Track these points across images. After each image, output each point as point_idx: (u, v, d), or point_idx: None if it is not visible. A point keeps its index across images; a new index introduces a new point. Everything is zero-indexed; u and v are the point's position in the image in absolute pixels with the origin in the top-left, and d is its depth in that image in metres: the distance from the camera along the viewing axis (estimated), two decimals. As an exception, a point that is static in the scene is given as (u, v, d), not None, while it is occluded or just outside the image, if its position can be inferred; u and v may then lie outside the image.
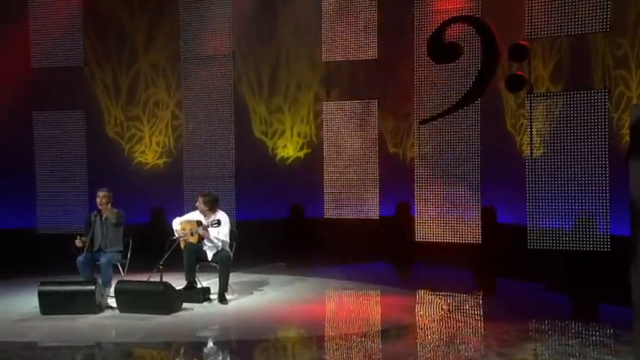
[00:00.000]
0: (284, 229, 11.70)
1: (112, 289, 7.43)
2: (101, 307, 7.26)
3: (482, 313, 7.73)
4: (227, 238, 7.86)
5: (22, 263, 10.45)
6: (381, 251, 10.91)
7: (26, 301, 7.69)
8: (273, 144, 11.93)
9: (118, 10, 11.71)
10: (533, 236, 9.15)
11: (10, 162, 11.20)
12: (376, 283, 8.88)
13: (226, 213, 8.14)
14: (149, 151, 11.88)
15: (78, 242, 7.69)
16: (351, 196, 10.93)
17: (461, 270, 9.89)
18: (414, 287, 8.77)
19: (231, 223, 8.19)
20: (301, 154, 11.87)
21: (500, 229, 10.08)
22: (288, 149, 11.88)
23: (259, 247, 10.57)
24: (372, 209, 10.79)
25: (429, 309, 8.04)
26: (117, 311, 7.22)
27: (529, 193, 9.21)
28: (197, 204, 7.98)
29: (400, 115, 11.32)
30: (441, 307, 7.84)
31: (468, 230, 9.90)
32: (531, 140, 9.24)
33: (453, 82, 9.90)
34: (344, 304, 8.27)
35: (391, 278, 9.92)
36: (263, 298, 8.11)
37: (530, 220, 9.18)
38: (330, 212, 11.07)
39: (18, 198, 11.27)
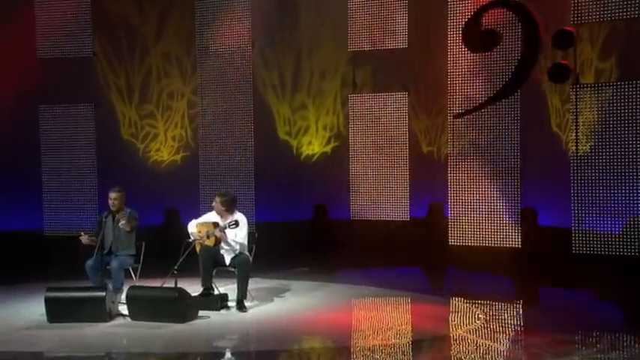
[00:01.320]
0: (307, 231, 11.71)
1: (124, 296, 7.48)
2: (112, 315, 7.30)
3: (522, 324, 7.65)
4: (245, 241, 7.87)
5: (28, 267, 10.57)
6: (412, 255, 10.86)
7: (32, 308, 7.76)
8: (298, 142, 11.94)
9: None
10: (578, 240, 9.04)
11: (14, 159, 11.34)
12: (406, 290, 8.83)
13: (245, 214, 8.16)
14: (164, 147, 11.96)
15: (84, 238, 7.72)
16: (379, 196, 10.90)
17: (498, 276, 9.81)
18: (447, 294, 8.72)
19: (250, 224, 8.21)
20: (328, 148, 11.85)
21: (542, 232, 9.99)
22: (314, 145, 11.89)
23: (280, 251, 10.59)
24: (401, 210, 10.75)
25: (463, 318, 7.98)
26: (128, 319, 7.25)
27: (574, 193, 9.12)
28: (213, 204, 8.00)
29: (433, 109, 11.26)
30: (477, 317, 7.77)
31: (507, 233, 9.83)
32: (576, 135, 9.13)
33: (491, 73, 9.83)
34: (372, 312, 8.24)
35: (423, 284, 9.87)
36: (284, 305, 8.11)
37: (575, 223, 9.09)
38: (356, 213, 11.06)
39: (23, 197, 11.40)
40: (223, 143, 11.29)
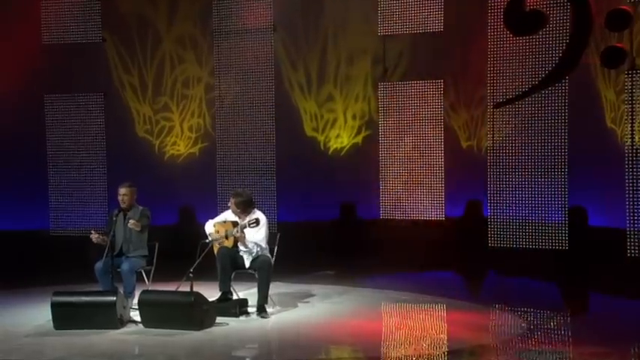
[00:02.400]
0: (333, 232, 11.70)
1: (136, 301, 7.51)
2: (123, 321, 7.34)
3: (570, 335, 7.58)
4: (265, 242, 7.88)
5: (33, 270, 10.68)
6: (448, 258, 10.81)
7: (38, 314, 7.84)
8: (325, 137, 11.93)
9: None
10: (633, 242, 8.94)
11: (18, 153, 11.44)
12: (441, 296, 8.80)
13: (265, 213, 8.16)
14: (181, 140, 12.01)
15: (94, 236, 7.75)
16: (412, 193, 10.87)
17: (543, 281, 9.73)
18: (486, 301, 8.67)
19: (271, 224, 8.22)
20: (358, 139, 11.80)
21: (593, 234, 9.89)
22: (342, 138, 11.86)
23: (304, 253, 10.59)
24: (436, 209, 10.71)
25: (504, 327, 7.93)
26: (141, 326, 7.30)
27: (629, 191, 9.00)
28: (229, 204, 8.01)
29: (471, 99, 11.18)
30: (520, 326, 7.72)
31: (553, 234, 9.75)
32: (632, 127, 9.02)
33: (535, 58, 9.73)
34: (403, 319, 8.22)
35: (459, 290, 9.82)
36: (309, 311, 8.11)
37: (630, 223, 8.97)
38: (387, 212, 11.03)
39: (27, 194, 11.51)
40: (242, 136, 11.32)
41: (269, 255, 7.98)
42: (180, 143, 12.04)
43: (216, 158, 11.46)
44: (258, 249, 7.86)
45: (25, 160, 11.54)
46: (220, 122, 11.50)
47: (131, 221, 7.76)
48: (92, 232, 7.85)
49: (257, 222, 7.67)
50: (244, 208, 7.92)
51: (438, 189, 10.74)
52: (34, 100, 11.48)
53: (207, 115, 11.92)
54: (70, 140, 11.53)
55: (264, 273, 7.75)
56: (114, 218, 7.93)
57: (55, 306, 7.26)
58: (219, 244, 7.86)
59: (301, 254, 10.38)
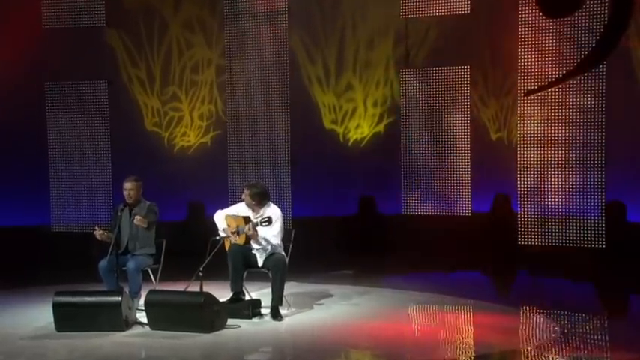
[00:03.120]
0: (351, 228, 11.69)
1: (142, 301, 7.55)
2: (128, 323, 7.37)
3: (607, 339, 7.53)
4: (279, 239, 7.87)
5: (33, 268, 10.75)
6: (474, 256, 10.79)
7: (39, 315, 7.88)
8: (344, 129, 11.90)
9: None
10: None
11: (17, 144, 11.50)
12: (468, 297, 8.78)
13: (280, 207, 8.15)
14: (191, 130, 12.02)
15: (98, 233, 7.79)
16: (436, 187, 10.85)
17: (578, 282, 9.69)
18: (516, 303, 8.64)
19: (286, 220, 8.21)
20: (380, 128, 11.76)
21: (631, 230, 9.82)
22: (363, 128, 11.83)
23: (320, 251, 10.59)
24: (462, 203, 10.69)
25: (535, 331, 7.89)
26: (147, 328, 7.32)
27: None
28: (243, 197, 8.00)
29: (500, 85, 11.13)
30: (552, 330, 7.68)
31: (588, 231, 9.71)
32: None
33: (570, 42, 9.66)
34: (427, 322, 8.20)
35: (487, 291, 9.80)
36: (326, 313, 8.11)
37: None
38: (409, 207, 11.02)
39: (28, 189, 11.57)
40: (255, 125, 11.34)
41: (283, 253, 7.98)
42: (190, 134, 12.06)
43: (228, 149, 11.47)
44: (272, 246, 7.85)
45: (25, 152, 11.60)
46: (232, 109, 11.51)
47: (137, 217, 7.77)
48: (96, 228, 7.89)
49: (269, 220, 7.65)
50: (259, 200, 7.89)
51: (464, 182, 10.72)
52: (33, 88, 11.54)
53: (219, 99, 11.92)
54: (73, 131, 11.59)
55: (278, 272, 7.75)
56: (119, 214, 7.93)
57: (56, 306, 7.29)
58: (230, 240, 7.85)
59: (317, 252, 10.40)
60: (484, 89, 11.22)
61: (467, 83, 10.68)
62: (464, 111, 10.71)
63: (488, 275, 10.76)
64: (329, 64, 11.87)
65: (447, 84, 10.77)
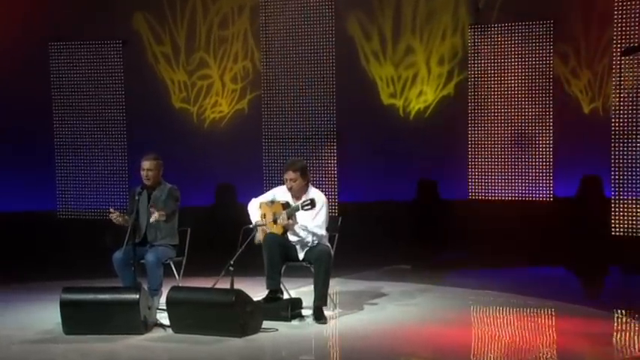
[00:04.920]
0: (409, 216, 11.70)
1: (163, 300, 7.63)
2: (147, 325, 7.45)
3: None
4: (323, 230, 7.91)
5: (38, 260, 10.95)
6: (557, 250, 10.74)
7: (45, 315, 8.02)
8: (404, 100, 11.86)
9: None
10: None
11: (17, 116, 11.62)
12: (548, 298, 8.75)
13: (324, 192, 8.20)
14: (223, 97, 12.07)
15: (114, 215, 7.85)
16: (511, 168, 10.81)
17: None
18: (608, 305, 8.58)
19: (331, 206, 8.25)
20: (450, 89, 11.67)
21: None
22: (427, 95, 11.78)
23: (372, 242, 10.61)
24: (542, 187, 10.65)
25: (632, 340, 7.84)
26: (169, 331, 7.42)
27: None
28: (285, 177, 7.98)
29: (589, 44, 11.00)
30: (652, 338, 7.66)
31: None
32: None
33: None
34: (499, 327, 8.19)
35: (572, 290, 9.75)
36: (378, 315, 8.14)
37: None
38: (477, 191, 10.99)
39: (30, 169, 11.72)
40: (294, 98, 11.36)
41: (328, 244, 8.02)
42: (222, 102, 12.12)
43: (263, 117, 11.46)
44: (315, 237, 7.90)
45: (26, 126, 11.72)
46: (266, 71, 11.50)
47: (155, 214, 7.78)
48: (110, 210, 7.97)
49: (312, 203, 7.68)
50: (304, 175, 7.87)
51: (544, 161, 10.65)
52: (34, 50, 11.66)
53: (255, 49, 11.88)
54: (81, 100, 11.70)
55: (322, 266, 7.79)
56: (136, 197, 7.98)
57: (64, 306, 7.38)
58: (265, 229, 7.91)
59: (368, 243, 10.41)
60: (571, 49, 11.09)
61: (549, 42, 10.58)
62: (545, 75, 10.63)
63: (574, 272, 10.69)
64: (384, 31, 11.85)
65: (525, 43, 10.69)
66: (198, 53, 12.08)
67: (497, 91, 10.93)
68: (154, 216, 7.79)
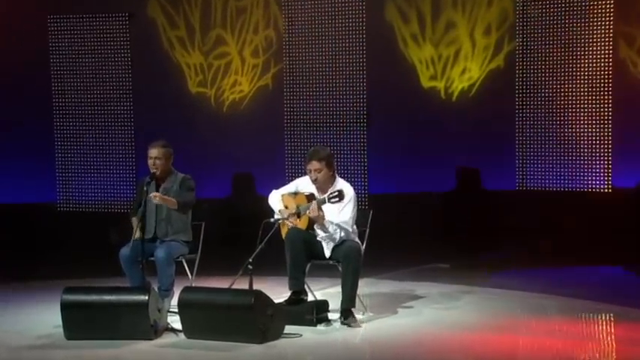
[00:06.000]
0: (447, 209, 11.69)
1: (175, 301, 7.68)
2: (157, 330, 7.48)
3: None
4: (351, 225, 7.90)
5: (37, 257, 11.03)
6: (616, 246, 10.71)
7: (45, 318, 8.06)
8: (446, 81, 11.82)
9: None
10: None
11: (14, 99, 11.69)
12: (606, 301, 8.72)
13: (352, 184, 8.17)
14: (243, 76, 12.05)
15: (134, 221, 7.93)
16: (563, 155, 10.77)
17: None
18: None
19: (360, 199, 8.24)
20: (499, 61, 11.58)
21: None
22: (471, 72, 11.72)
23: (406, 238, 10.60)
24: (599, 176, 10.60)
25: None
26: (182, 336, 7.44)
27: None
28: (309, 167, 7.97)
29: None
30: None
31: None
32: None
33: None
34: (550, 335, 8.17)
35: (635, 293, 9.69)
36: (413, 320, 8.14)
37: None
38: (525, 181, 10.96)
39: (28, 158, 11.78)
40: (320, 79, 11.38)
41: (358, 241, 8.02)
42: (242, 81, 12.10)
43: (284, 98, 11.45)
44: (343, 233, 7.90)
45: (24, 109, 11.79)
46: (289, 51, 11.53)
47: (156, 196, 7.79)
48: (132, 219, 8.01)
49: (340, 195, 7.68)
50: (328, 161, 7.88)
51: (602, 148, 10.60)
52: (32, 24, 11.71)
53: (280, 15, 11.83)
54: (83, 80, 11.74)
55: (350, 265, 7.79)
56: (144, 188, 7.99)
57: (66, 308, 7.41)
58: (289, 223, 7.92)
59: (403, 240, 10.40)
60: (635, 15, 11.00)
61: (610, 9, 10.52)
62: (603, 49, 10.56)
63: (636, 272, 10.64)
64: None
65: (577, 13, 10.62)
66: (214, 30, 12.06)
67: (547, 65, 10.84)
68: (154, 194, 7.78)
